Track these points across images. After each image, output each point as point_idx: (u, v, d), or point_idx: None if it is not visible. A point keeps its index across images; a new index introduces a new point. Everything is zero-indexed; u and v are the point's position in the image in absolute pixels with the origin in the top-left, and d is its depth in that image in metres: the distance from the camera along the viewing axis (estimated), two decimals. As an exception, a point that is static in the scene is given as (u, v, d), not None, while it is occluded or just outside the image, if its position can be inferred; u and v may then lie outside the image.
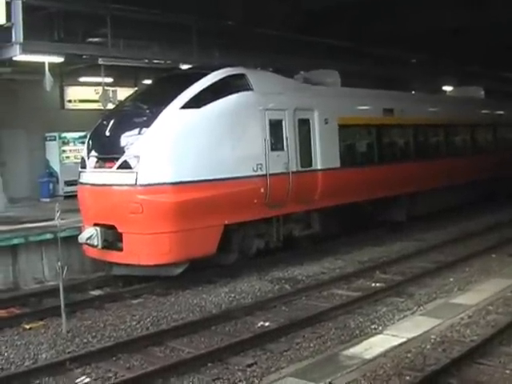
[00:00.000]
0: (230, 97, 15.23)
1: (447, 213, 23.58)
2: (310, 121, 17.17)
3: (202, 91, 14.84)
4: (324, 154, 17.39)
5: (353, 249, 18.83)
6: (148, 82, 21.23)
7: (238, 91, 15.47)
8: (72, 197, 18.95)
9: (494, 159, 26.06)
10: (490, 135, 26.93)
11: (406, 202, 21.31)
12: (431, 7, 21.92)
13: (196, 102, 14.60)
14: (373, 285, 14.94)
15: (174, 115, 14.36)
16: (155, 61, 19.62)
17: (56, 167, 25.39)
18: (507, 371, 9.36)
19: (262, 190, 15.51)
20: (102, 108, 21.10)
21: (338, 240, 19.34)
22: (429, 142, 23.02)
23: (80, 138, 24.66)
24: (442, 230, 21.66)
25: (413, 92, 26.06)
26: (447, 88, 29.08)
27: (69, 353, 10.60)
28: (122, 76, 24.03)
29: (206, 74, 15.32)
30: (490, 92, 29.69)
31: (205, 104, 14.69)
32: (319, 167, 17.28)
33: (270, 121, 15.86)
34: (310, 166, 17.09)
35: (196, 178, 14.24)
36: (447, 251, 18.35)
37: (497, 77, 34.10)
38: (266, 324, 11.94)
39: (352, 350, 10.11)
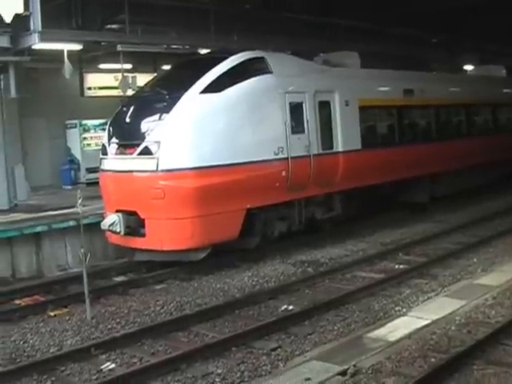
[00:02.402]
0: (249, 80, 15.17)
1: (469, 193, 23.41)
2: (331, 103, 17.08)
3: (221, 75, 14.79)
4: (345, 136, 17.30)
5: (375, 231, 18.75)
6: (167, 67, 21.15)
7: (257, 75, 15.40)
8: (94, 184, 18.94)
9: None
10: (510, 115, 26.61)
11: (427, 183, 21.16)
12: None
13: (216, 87, 14.55)
14: (396, 266, 14.87)
15: (194, 100, 14.33)
16: (173, 46, 19.60)
17: (77, 154, 25.48)
18: (533, 352, 9.31)
19: (284, 174, 15.47)
20: (122, 94, 21.07)
21: (359, 222, 19.24)
22: (450, 122, 22.81)
23: (100, 124, 24.69)
24: (464, 210, 21.51)
25: (433, 72, 25.77)
26: (468, 67, 28.79)
27: (93, 339, 10.65)
28: (140, 62, 24.00)
29: (225, 58, 15.25)
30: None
31: (225, 88, 14.63)
32: (340, 149, 17.20)
33: (291, 104, 15.79)
34: (331, 148, 17.02)
35: (217, 163, 14.21)
36: (469, 232, 18.24)
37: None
38: (290, 307, 11.92)
39: (376, 333, 10.11)
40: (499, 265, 14.21)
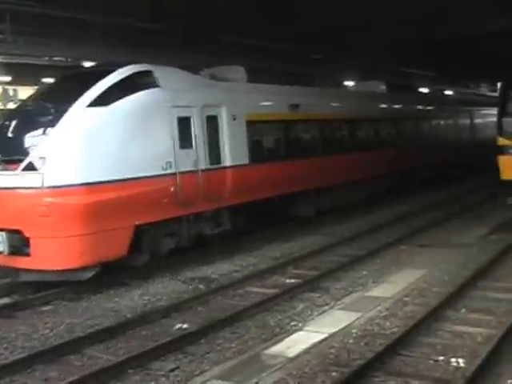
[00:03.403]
0: (137, 94, 14.86)
1: (354, 206, 23.83)
2: (218, 117, 16.98)
3: (108, 89, 14.40)
4: (232, 151, 17.24)
5: (263, 245, 18.76)
6: (49, 80, 20.46)
7: (145, 88, 15.09)
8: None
9: (397, 153, 26.49)
10: (393, 130, 27.31)
11: (313, 196, 21.37)
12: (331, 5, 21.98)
13: (103, 100, 14.17)
14: (287, 281, 14.86)
15: (80, 113, 13.88)
16: (56, 58, 18.98)
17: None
18: (430, 361, 9.45)
19: (172, 189, 15.23)
20: (2, 108, 20.24)
21: (248, 236, 19.22)
22: (334, 136, 23.11)
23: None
24: (350, 223, 21.86)
25: (318, 88, 26.13)
26: (349, 83, 29.39)
27: (-20, 367, 10.06)
28: (21, 74, 23.13)
29: (111, 71, 14.87)
30: (393, 86, 30.24)
31: (112, 102, 14.26)
32: (228, 164, 17.12)
33: (179, 118, 15.58)
34: (219, 163, 16.92)
35: (104, 179, 13.82)
36: (356, 245, 18.49)
37: (399, 72, 34.77)
38: (184, 326, 11.65)
39: (274, 349, 10.05)
40: (388, 276, 14.46)
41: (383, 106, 27.00)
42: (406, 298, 12.57)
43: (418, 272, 14.48)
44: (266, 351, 9.94)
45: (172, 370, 9.57)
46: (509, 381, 8.59)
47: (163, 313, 12.44)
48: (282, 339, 10.52)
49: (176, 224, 16.02)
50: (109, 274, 14.79)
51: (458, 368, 9.10)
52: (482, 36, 28.70)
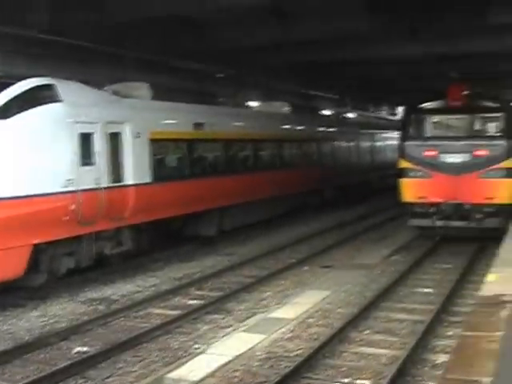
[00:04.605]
0: (37, 108, 14.36)
1: (257, 226, 23.80)
2: (122, 134, 16.63)
3: (8, 102, 13.84)
4: (135, 169, 16.92)
5: (165, 265, 18.52)
6: None
7: (46, 102, 14.58)
8: None
9: (301, 173, 26.68)
10: (296, 150, 27.50)
11: (216, 216, 21.22)
12: (237, 25, 22.01)
13: (1, 113, 13.63)
14: (190, 302, 14.64)
15: (-24, 126, 13.33)
16: None
17: None
18: (336, 383, 9.38)
19: (73, 207, 14.77)
20: None
21: (149, 256, 18.94)
22: (238, 156, 23.06)
23: None
24: (254, 243, 21.86)
25: (222, 106, 26.06)
26: (253, 103, 29.42)
27: None
28: None
29: (11, 84, 14.34)
30: (297, 108, 30.49)
31: (11, 115, 13.74)
32: (130, 182, 16.77)
33: (81, 134, 15.16)
34: (122, 181, 16.55)
35: (2, 195, 13.27)
36: (260, 265, 18.48)
37: (302, 94, 35.10)
38: (84, 349, 11.26)
39: (178, 373, 9.77)
40: (292, 297, 14.41)
41: (287, 126, 27.14)
42: (309, 320, 12.52)
43: (321, 293, 14.46)
44: (169, 375, 9.64)
45: (71, 396, 9.21)
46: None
47: (62, 335, 12.01)
48: (185, 362, 10.24)
49: (76, 243, 15.55)
50: (5, 295, 14.22)
51: (363, 390, 9.06)
52: (384, 61, 29.29)
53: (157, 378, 9.61)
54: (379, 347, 10.90)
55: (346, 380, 9.47)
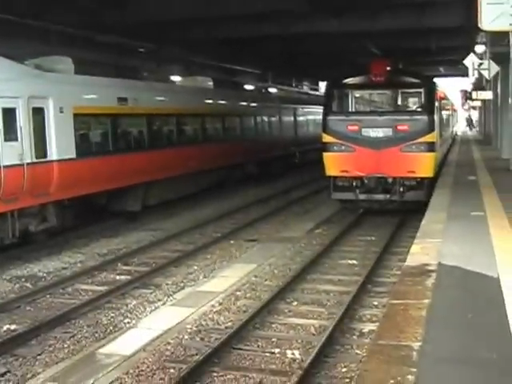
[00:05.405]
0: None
1: (182, 201, 23.82)
2: (45, 109, 16.36)
3: None
4: (59, 145, 16.69)
5: (90, 241, 18.40)
6: None
7: (-35, 77, 14.29)
8: None
9: (224, 148, 26.72)
10: (219, 125, 27.53)
11: (141, 191, 21.13)
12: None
13: None
14: (117, 277, 14.65)
15: None
16: None
17: None
18: (267, 354, 9.58)
19: (-5, 183, 14.52)
20: None
21: (74, 232, 18.78)
22: (162, 131, 22.96)
23: None
24: (178, 218, 21.87)
25: (147, 82, 25.83)
26: (176, 78, 29.28)
27: None
28: None
29: None
30: (219, 83, 30.45)
31: None
32: (54, 158, 16.55)
33: (3, 109, 14.87)
34: (46, 156, 16.32)
35: None
36: (185, 239, 18.55)
37: (225, 68, 35.10)
38: (13, 327, 11.17)
39: (109, 348, 9.80)
40: (219, 271, 14.56)
41: (209, 101, 27.10)
42: (238, 293, 12.67)
43: (248, 266, 14.61)
44: (101, 350, 9.66)
45: (3, 375, 9.15)
46: (343, 369, 8.85)
47: (-12, 313, 11.86)
48: (116, 337, 10.30)
49: (-1, 220, 15.31)
50: None
51: (294, 359, 9.28)
52: (307, 36, 29.49)
53: (88, 354, 9.63)
54: (308, 318, 11.14)
55: (277, 350, 9.66)
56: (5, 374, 9.18)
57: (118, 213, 20.96)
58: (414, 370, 5.51)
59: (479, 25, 10.72)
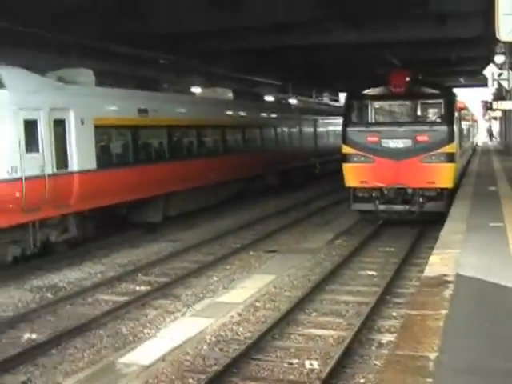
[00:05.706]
0: (-19, 95, 14.23)
1: (202, 212, 23.89)
2: (66, 121, 16.52)
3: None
4: (80, 156, 16.83)
5: (111, 252, 18.49)
6: None
7: (-11, 89, 14.48)
8: None
9: (244, 159, 26.79)
10: (239, 136, 27.63)
11: (161, 202, 21.24)
12: (179, 11, 21.99)
13: None
14: (137, 288, 14.71)
15: None
16: None
17: None
18: (285, 364, 9.60)
19: (18, 194, 14.67)
20: None
21: (95, 243, 18.87)
22: (182, 142, 23.09)
23: None
24: (198, 229, 21.92)
25: (168, 93, 25.97)
26: (196, 89, 29.42)
27: None
28: None
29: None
30: (240, 94, 30.54)
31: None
32: (75, 169, 16.70)
33: (25, 121, 15.04)
34: (66, 167, 16.47)
35: None
36: (205, 250, 18.60)
37: (245, 80, 35.22)
38: (34, 337, 11.27)
39: (128, 357, 9.83)
40: (239, 282, 14.57)
41: (230, 112, 27.22)
42: (257, 303, 12.70)
43: (267, 277, 14.61)
44: (120, 360, 9.71)
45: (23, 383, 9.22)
46: (361, 380, 8.86)
47: (10, 324, 11.98)
48: (135, 347, 10.34)
49: (21, 231, 15.44)
50: None
51: (312, 370, 9.30)
52: (327, 48, 29.55)
53: (108, 364, 9.69)
54: (326, 329, 11.16)
55: (295, 361, 9.69)
56: (25, 382, 9.26)
57: (138, 224, 21.07)
58: (430, 380, 5.53)
59: (497, 35, 10.69)
